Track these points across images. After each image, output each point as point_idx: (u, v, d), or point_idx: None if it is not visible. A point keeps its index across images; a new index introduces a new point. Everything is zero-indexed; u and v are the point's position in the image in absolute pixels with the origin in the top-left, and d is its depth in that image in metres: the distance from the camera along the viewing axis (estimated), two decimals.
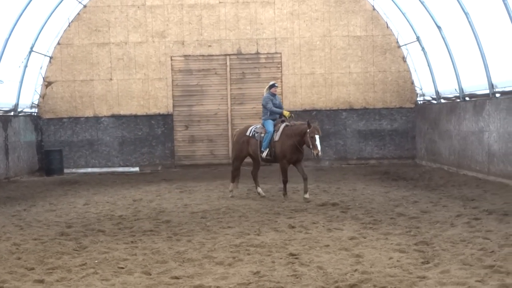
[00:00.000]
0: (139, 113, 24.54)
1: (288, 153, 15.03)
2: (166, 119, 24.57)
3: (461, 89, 20.05)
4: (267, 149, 15.29)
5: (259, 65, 24.59)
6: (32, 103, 23.86)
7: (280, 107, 15.77)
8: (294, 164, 15.27)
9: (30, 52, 22.29)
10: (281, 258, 8.95)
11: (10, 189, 18.37)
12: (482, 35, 17.98)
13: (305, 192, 14.81)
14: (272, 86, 15.78)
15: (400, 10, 22.94)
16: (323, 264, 8.48)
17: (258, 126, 15.80)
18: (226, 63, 24.56)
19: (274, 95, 15.72)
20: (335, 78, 24.60)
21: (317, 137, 14.40)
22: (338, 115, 24.70)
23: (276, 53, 24.59)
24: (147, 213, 13.61)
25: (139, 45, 24.40)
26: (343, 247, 9.60)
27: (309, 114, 24.45)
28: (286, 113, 15.56)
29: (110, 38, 24.34)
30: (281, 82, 24.42)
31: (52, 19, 22.80)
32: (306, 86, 24.55)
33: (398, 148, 24.78)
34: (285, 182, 15.32)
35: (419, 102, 24.43)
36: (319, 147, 14.36)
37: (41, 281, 8.00)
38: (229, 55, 24.53)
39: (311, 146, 14.44)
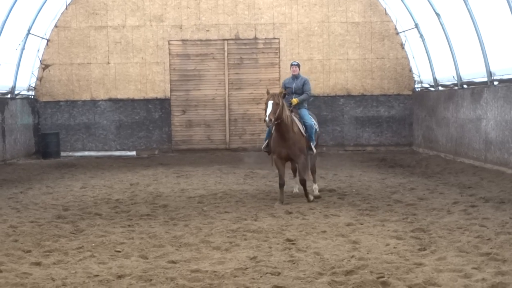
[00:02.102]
0: (136, 97, 24.48)
1: (274, 145, 12.76)
2: (163, 104, 24.51)
3: (459, 77, 20.03)
4: (266, 141, 13.42)
5: (257, 50, 24.51)
6: (29, 85, 23.78)
7: (298, 91, 13.29)
8: (291, 162, 13.19)
9: (27, 35, 22.17)
10: (278, 244, 8.97)
11: (7, 172, 18.35)
12: (481, 22, 17.92)
13: (306, 196, 12.81)
14: (291, 65, 13.63)
15: None
16: (320, 250, 8.50)
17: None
18: (224, 48, 24.47)
19: (295, 77, 13.40)
20: (333, 65, 24.54)
21: (269, 103, 12.04)
22: (335, 101, 24.66)
23: (274, 38, 24.50)
24: (144, 197, 13.62)
25: (137, 29, 24.29)
26: (340, 233, 9.62)
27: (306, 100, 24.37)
28: (293, 100, 13.10)
29: (107, 21, 24.22)
30: (279, 67, 24.36)
31: (50, 1, 22.65)
32: (304, 72, 24.24)
33: (395, 135, 24.77)
34: (279, 184, 12.76)
35: (416, 89, 24.40)
36: (267, 112, 11.94)
37: (38, 264, 8.02)
38: (227, 40, 24.45)
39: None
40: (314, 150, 13.26)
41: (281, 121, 12.26)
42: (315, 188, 13.66)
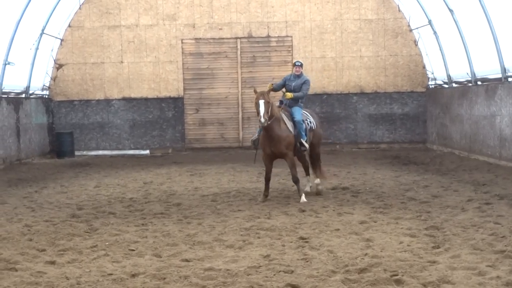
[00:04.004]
0: (149, 96, 24.55)
1: (262, 143, 12.83)
2: (176, 102, 24.57)
3: (473, 73, 19.92)
4: (256, 135, 13.38)
5: (269, 48, 24.50)
6: (44, 85, 23.91)
7: (297, 90, 13.12)
8: (284, 159, 12.89)
9: (41, 35, 22.29)
10: (291, 242, 8.96)
11: (22, 171, 18.46)
12: (494, 18, 17.82)
13: (300, 195, 12.67)
14: (294, 64, 13.52)
15: None
16: (333, 248, 8.49)
17: None
18: (236, 46, 24.49)
19: (298, 76, 13.28)
20: (346, 62, 24.49)
21: (260, 102, 12.13)
22: (349, 99, 24.61)
23: (287, 36, 24.48)
24: (157, 196, 13.66)
25: (150, 28, 24.35)
26: (353, 231, 9.60)
27: (319, 98, 24.40)
28: (287, 94, 13.03)
29: (121, 20, 24.30)
30: (292, 65, 24.30)
31: (63, 1, 22.77)
32: (317, 70, 24.45)
33: (409, 132, 24.69)
34: (265, 179, 12.91)
35: (430, 86, 24.30)
36: (261, 113, 12.03)
37: (53, 263, 8.06)
38: (239, 38, 24.45)
39: (256, 114, 12.31)
40: (306, 145, 13.07)
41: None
42: (316, 183, 13.65)
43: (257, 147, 13.34)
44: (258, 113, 12.17)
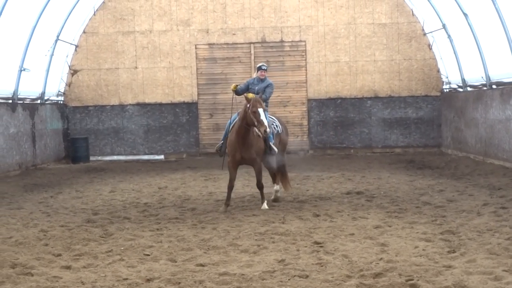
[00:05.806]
0: (164, 101, 24.63)
1: (230, 149, 12.44)
2: (190, 107, 24.63)
3: (487, 77, 19.82)
4: (221, 142, 13.17)
5: (283, 53, 24.52)
6: (59, 91, 24.05)
7: (259, 93, 12.74)
8: (252, 165, 12.69)
9: (56, 41, 22.44)
10: (306, 246, 8.95)
11: (37, 176, 18.57)
12: (509, 22, 17.74)
13: (262, 202, 12.56)
14: (259, 68, 13.21)
15: None
16: (348, 252, 8.47)
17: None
18: (250, 51, 24.52)
19: (261, 80, 13.12)
20: (360, 66, 24.45)
21: (260, 110, 11.71)
22: (363, 103, 24.57)
23: (301, 41, 24.49)
24: (172, 201, 13.69)
25: (164, 33, 24.45)
26: (368, 235, 9.58)
27: (333, 103, 24.39)
28: (249, 94, 12.46)
29: (135, 26, 24.42)
30: (306, 70, 24.34)
31: (78, 7, 22.92)
32: (330, 74, 24.43)
33: (424, 136, 24.60)
34: (228, 187, 12.54)
35: (445, 90, 24.21)
36: (265, 122, 11.63)
37: (68, 267, 8.09)
38: (253, 43, 24.49)
39: (256, 124, 11.74)
40: (275, 148, 12.69)
41: (246, 123, 12.09)
42: (275, 189, 13.41)
43: (223, 154, 13.10)
44: (260, 122, 11.69)
